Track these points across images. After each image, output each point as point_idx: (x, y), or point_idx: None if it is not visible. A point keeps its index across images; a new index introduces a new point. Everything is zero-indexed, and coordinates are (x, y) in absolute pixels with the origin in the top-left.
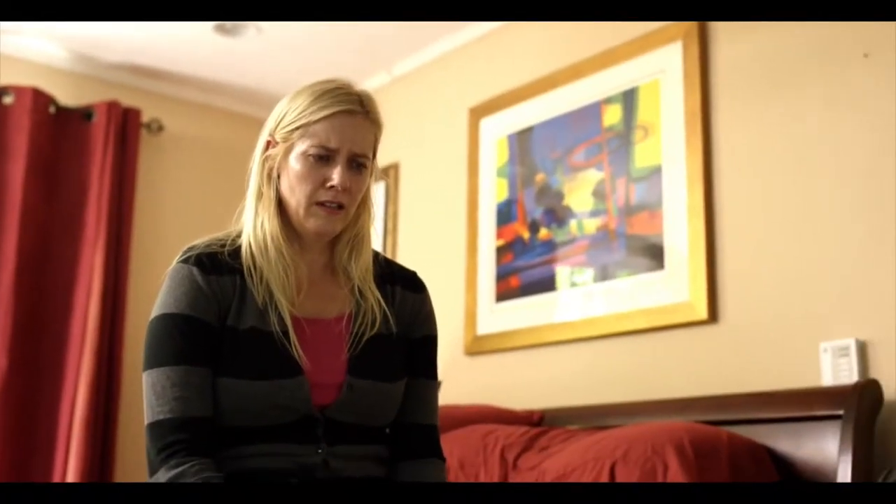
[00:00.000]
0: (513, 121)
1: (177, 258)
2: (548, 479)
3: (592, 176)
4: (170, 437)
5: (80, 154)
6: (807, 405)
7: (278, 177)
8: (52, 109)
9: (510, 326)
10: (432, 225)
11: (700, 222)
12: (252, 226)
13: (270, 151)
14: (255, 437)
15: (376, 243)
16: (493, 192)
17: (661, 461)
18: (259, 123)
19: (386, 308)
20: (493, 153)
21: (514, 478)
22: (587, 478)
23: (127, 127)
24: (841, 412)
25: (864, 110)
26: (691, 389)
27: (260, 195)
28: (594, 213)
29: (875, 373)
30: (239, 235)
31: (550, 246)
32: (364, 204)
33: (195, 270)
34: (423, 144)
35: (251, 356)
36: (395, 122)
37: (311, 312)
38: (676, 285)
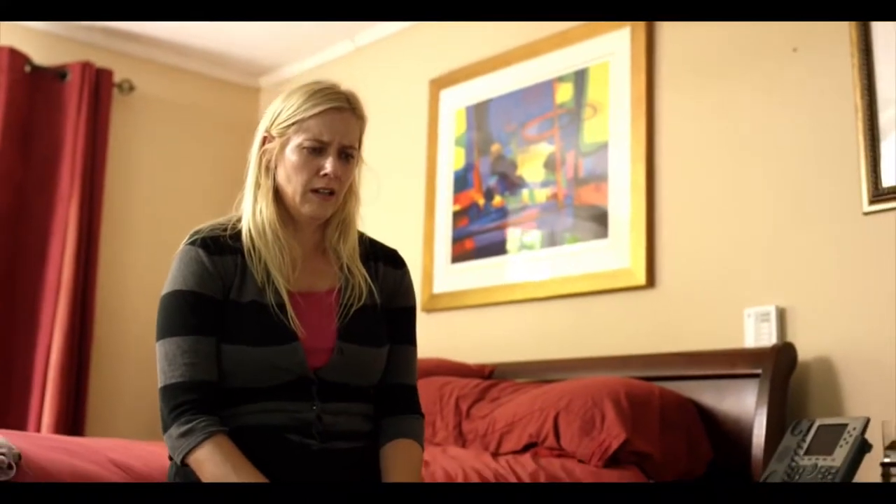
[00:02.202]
0: (471, 93)
1: (184, 241)
2: (498, 427)
3: (544, 149)
4: (180, 398)
5: (55, 112)
6: (730, 364)
7: (275, 168)
8: (27, 69)
9: (464, 286)
10: (393, 189)
11: (641, 195)
12: (251, 212)
13: (267, 146)
14: (257, 396)
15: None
16: (451, 160)
17: (600, 411)
18: (226, 86)
19: (371, 283)
20: (452, 123)
21: (467, 425)
22: (533, 425)
23: (100, 87)
24: (760, 371)
25: (791, 100)
26: (628, 348)
27: (258, 185)
28: (545, 184)
29: (791, 337)
30: (239, 220)
31: (503, 212)
32: (351, 190)
33: (201, 252)
34: (384, 112)
35: (252, 325)
36: (359, 90)
37: (304, 287)
38: (618, 252)
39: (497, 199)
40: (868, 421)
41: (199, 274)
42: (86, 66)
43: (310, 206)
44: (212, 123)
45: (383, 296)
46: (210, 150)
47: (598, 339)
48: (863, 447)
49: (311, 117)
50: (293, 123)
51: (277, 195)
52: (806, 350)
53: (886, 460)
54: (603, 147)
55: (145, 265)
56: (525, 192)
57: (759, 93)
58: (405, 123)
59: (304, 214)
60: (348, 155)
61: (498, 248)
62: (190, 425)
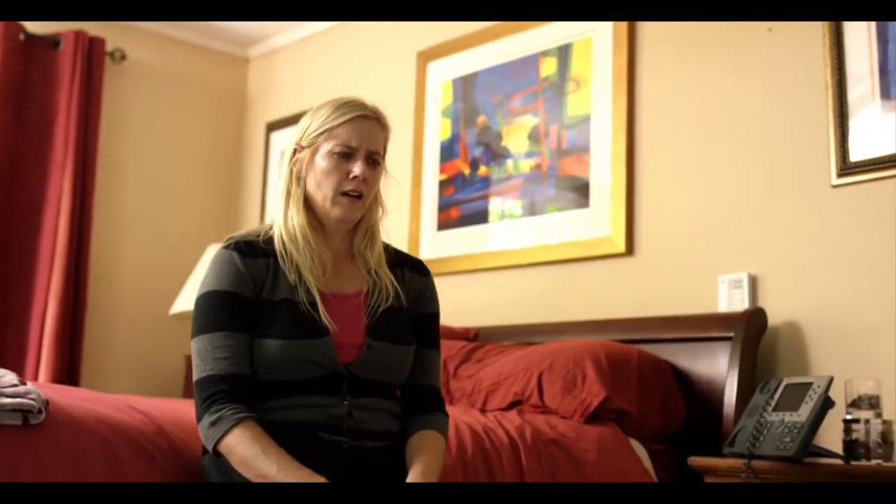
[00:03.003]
0: (458, 66)
1: (220, 246)
2: (484, 386)
3: (528, 121)
4: (212, 389)
5: (48, 80)
6: (704, 328)
7: (305, 177)
8: (21, 37)
9: (450, 253)
10: None
11: (622, 167)
12: (283, 219)
13: (298, 156)
14: (289, 390)
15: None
16: (438, 131)
17: (581, 371)
18: (216, 55)
19: (397, 286)
20: (439, 95)
21: (455, 384)
22: (518, 384)
23: (92, 55)
24: (732, 334)
25: (765, 77)
26: (608, 313)
27: (289, 193)
28: (529, 155)
29: (762, 302)
30: (271, 228)
31: (488, 182)
32: (376, 199)
33: (234, 255)
34: (373, 84)
35: (285, 320)
36: (348, 61)
37: (334, 288)
38: (599, 221)
39: (482, 169)
40: (832, 380)
41: (232, 274)
42: (79, 34)
43: (340, 209)
44: (202, 92)
45: (409, 300)
46: (200, 117)
47: (579, 304)
48: (826, 404)
49: (339, 125)
50: (323, 132)
51: (307, 203)
52: (775, 315)
53: (848, 417)
54: (585, 120)
55: (137, 230)
56: (510, 163)
57: (735, 70)
58: (393, 95)
59: (334, 218)
60: (375, 161)
61: (482, 217)
62: (219, 414)
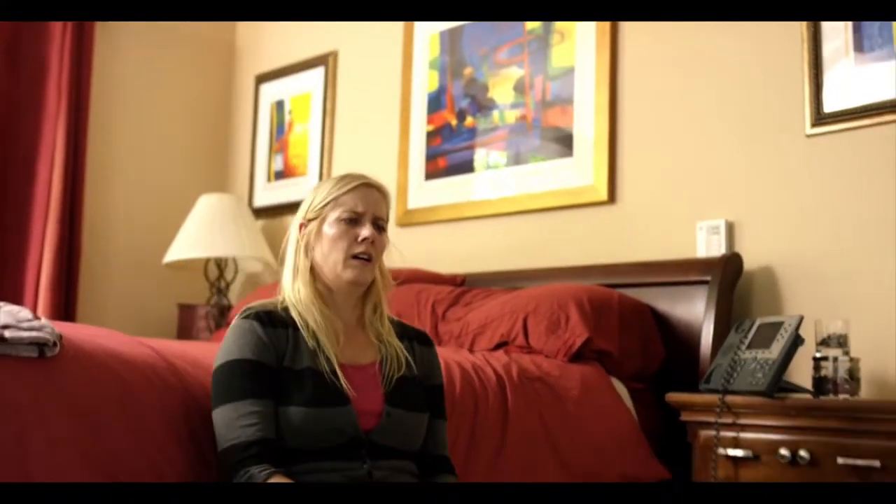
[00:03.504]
0: None
1: (238, 316)
2: (471, 328)
3: (514, 73)
4: (240, 455)
5: (40, 31)
6: (683, 272)
7: (312, 249)
8: None
9: (437, 202)
10: (369, 109)
11: (605, 118)
12: (291, 291)
13: (304, 230)
14: (311, 456)
15: (315, 126)
16: (425, 82)
17: (565, 314)
18: None
19: (407, 355)
20: (426, 47)
21: (443, 327)
22: (504, 326)
23: None
24: (709, 278)
25: (743, 31)
26: (591, 259)
27: (296, 269)
28: (514, 105)
29: (739, 248)
30: (284, 299)
31: (474, 133)
32: (381, 272)
33: (255, 324)
34: (361, 35)
35: (308, 388)
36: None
37: (349, 359)
38: (582, 170)
39: (469, 120)
40: (802, 319)
41: (254, 343)
42: None
43: (351, 272)
44: (191, 44)
45: (420, 371)
46: (190, 70)
47: (562, 250)
48: (796, 341)
49: (344, 193)
50: (329, 202)
51: (314, 275)
52: (751, 260)
53: (818, 355)
54: (569, 72)
55: (130, 181)
56: (496, 114)
57: (714, 24)
58: (381, 47)
59: (346, 281)
60: (380, 227)
61: (468, 167)
62: (248, 474)
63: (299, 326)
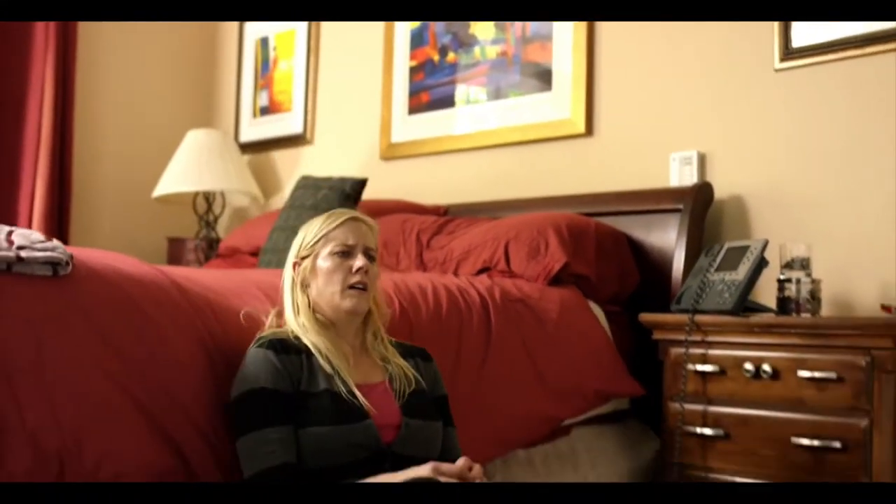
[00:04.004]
0: None
1: (252, 345)
2: (455, 255)
3: None
4: (268, 480)
5: None
6: (656, 201)
7: (308, 286)
8: None
9: (420, 136)
10: (353, 45)
11: (583, 54)
12: (296, 325)
13: (298, 269)
14: (336, 475)
15: (300, 62)
16: None
17: (544, 240)
18: None
19: (413, 371)
20: None
21: (428, 255)
22: (487, 253)
23: None
24: (681, 206)
25: None
26: (569, 189)
27: (296, 305)
28: (495, 41)
29: (710, 178)
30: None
31: (456, 68)
32: (376, 302)
33: (269, 352)
34: None
35: (327, 409)
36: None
37: (361, 379)
38: (560, 104)
39: (451, 56)
40: (767, 243)
41: (269, 371)
42: None
43: (350, 301)
44: None
45: (427, 386)
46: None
47: (542, 181)
48: (761, 264)
49: (334, 229)
50: (320, 238)
51: (313, 310)
52: (721, 189)
53: (782, 277)
54: None
55: (118, 118)
56: (477, 50)
57: None
58: None
59: (345, 310)
60: (371, 257)
61: (450, 102)
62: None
63: (313, 352)
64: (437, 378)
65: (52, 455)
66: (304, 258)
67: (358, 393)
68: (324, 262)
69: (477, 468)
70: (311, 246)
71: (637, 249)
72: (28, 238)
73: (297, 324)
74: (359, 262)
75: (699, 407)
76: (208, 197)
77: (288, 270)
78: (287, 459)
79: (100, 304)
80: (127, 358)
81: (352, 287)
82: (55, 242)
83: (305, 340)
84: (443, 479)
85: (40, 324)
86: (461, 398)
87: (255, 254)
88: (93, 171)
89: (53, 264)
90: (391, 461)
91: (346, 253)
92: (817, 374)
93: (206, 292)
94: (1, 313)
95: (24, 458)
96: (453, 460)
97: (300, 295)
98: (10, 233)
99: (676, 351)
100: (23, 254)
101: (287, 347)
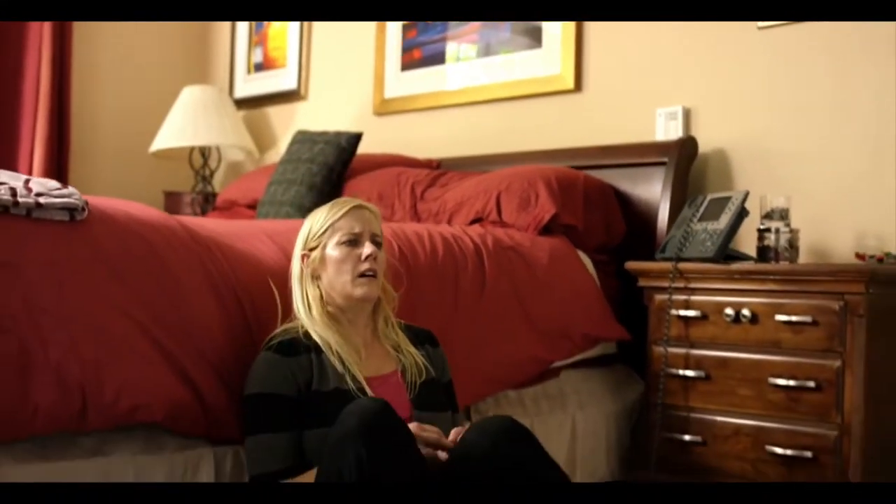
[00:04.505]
0: None
1: (263, 346)
2: (448, 207)
3: None
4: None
5: None
6: (642, 155)
7: (319, 275)
8: None
9: (413, 91)
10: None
11: None
12: (307, 320)
13: (307, 260)
14: None
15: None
16: None
17: (534, 191)
18: None
19: (424, 360)
20: None
21: (422, 206)
22: (479, 204)
23: None
24: (666, 160)
25: None
26: (558, 143)
27: (306, 298)
28: None
29: (694, 132)
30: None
31: (448, 25)
32: (384, 289)
33: (276, 356)
34: None
35: (339, 408)
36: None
37: (373, 371)
38: (550, 61)
39: None
40: (747, 193)
41: (271, 376)
42: None
43: (361, 289)
44: None
45: (437, 373)
46: None
47: (532, 136)
48: (741, 214)
49: (339, 218)
50: (327, 229)
51: (324, 301)
52: (705, 143)
53: (762, 227)
54: None
55: (115, 74)
56: None
57: None
58: None
59: (358, 298)
60: (378, 243)
61: (441, 59)
62: None
63: (323, 349)
64: (445, 364)
65: (74, 387)
66: (312, 249)
67: (369, 390)
68: (333, 252)
69: (452, 435)
70: (319, 237)
71: (624, 201)
72: (45, 186)
73: (308, 318)
74: (367, 249)
75: (682, 350)
76: (204, 152)
77: (296, 263)
78: (280, 467)
79: (115, 246)
80: (141, 296)
81: (362, 275)
82: (71, 189)
83: (315, 336)
84: (423, 435)
85: (60, 266)
86: (457, 338)
87: (252, 206)
88: (90, 128)
89: (70, 210)
90: None
91: (353, 241)
92: (793, 318)
93: (213, 235)
94: (24, 257)
95: (49, 391)
96: None
97: (310, 287)
98: (27, 181)
99: (660, 297)
100: (41, 200)
101: (296, 348)
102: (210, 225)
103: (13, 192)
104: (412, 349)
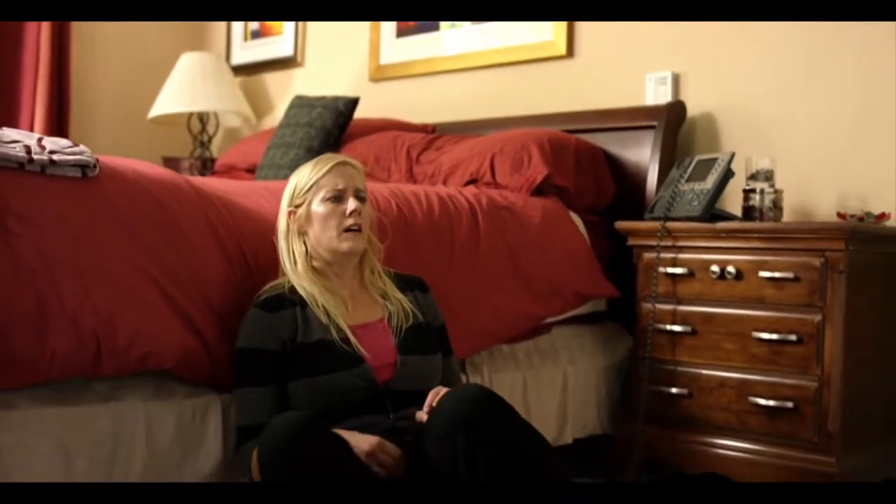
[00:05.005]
0: None
1: (252, 303)
2: (444, 169)
3: None
4: (242, 436)
5: None
6: (632, 119)
7: (306, 231)
8: None
9: (408, 58)
10: None
11: None
12: (293, 275)
13: (294, 217)
14: (341, 415)
15: None
16: None
17: (527, 153)
18: None
19: (412, 306)
20: None
21: (417, 169)
22: (473, 166)
23: None
24: (655, 124)
25: None
26: (551, 108)
27: (292, 254)
28: None
29: (683, 96)
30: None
31: None
32: (370, 241)
33: (260, 312)
34: None
35: (324, 359)
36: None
37: (360, 320)
38: (542, 27)
39: None
40: (733, 154)
41: (256, 332)
42: None
43: (346, 243)
44: None
45: (427, 318)
46: None
47: (525, 101)
48: (727, 174)
49: (323, 176)
50: (311, 186)
51: (311, 256)
52: (694, 107)
53: (747, 187)
54: None
55: (114, 40)
56: None
57: None
58: None
59: (344, 252)
60: (362, 198)
61: (435, 25)
62: (240, 451)
63: (308, 303)
64: (436, 308)
65: (89, 335)
66: (298, 206)
67: (353, 339)
68: (318, 208)
69: (430, 397)
70: (304, 194)
71: (614, 164)
72: (58, 144)
73: (295, 273)
74: (351, 205)
75: (669, 306)
76: (202, 117)
77: (283, 219)
78: (262, 419)
79: (125, 201)
80: (150, 249)
81: (347, 230)
82: (82, 147)
83: (300, 290)
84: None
85: (74, 220)
86: (453, 292)
87: (250, 170)
88: (90, 94)
89: (82, 167)
90: (391, 398)
91: (337, 197)
92: (776, 275)
93: (217, 192)
94: (39, 211)
95: (65, 339)
96: (452, 386)
97: (296, 242)
98: (40, 139)
99: (649, 255)
100: (55, 157)
101: (280, 303)
102: (214, 183)
103: (28, 149)
104: (399, 295)
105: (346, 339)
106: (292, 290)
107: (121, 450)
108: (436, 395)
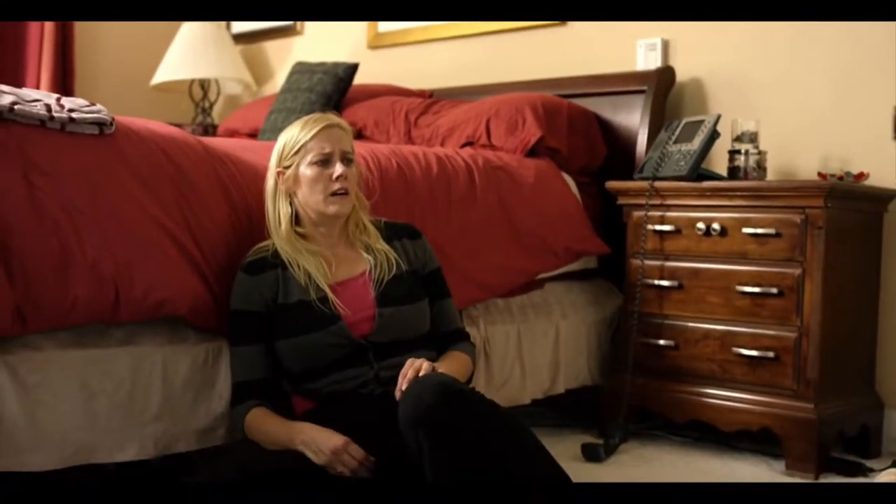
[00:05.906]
0: None
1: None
2: (441, 132)
3: None
4: (235, 392)
5: None
6: (623, 84)
7: (294, 193)
8: None
9: (405, 25)
10: None
11: None
12: (277, 238)
13: (283, 178)
14: (324, 372)
15: None
16: None
17: (521, 116)
18: None
19: (396, 256)
20: None
21: (415, 132)
22: (470, 128)
23: None
24: (645, 88)
25: None
26: (544, 74)
27: (278, 215)
28: None
29: (672, 62)
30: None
31: None
32: (357, 198)
33: (244, 275)
34: None
35: (301, 320)
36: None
37: (342, 276)
38: None
39: None
40: (719, 116)
41: (241, 294)
42: None
43: (334, 207)
44: None
45: (414, 263)
46: None
47: (519, 67)
48: (713, 135)
49: (311, 139)
50: (298, 149)
51: (298, 217)
52: (682, 72)
53: (732, 149)
54: None
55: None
56: None
57: None
58: None
59: (331, 215)
60: (349, 160)
61: None
62: (234, 410)
63: (288, 266)
64: (428, 252)
65: (108, 281)
66: (286, 168)
67: (331, 297)
68: (306, 171)
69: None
70: (292, 156)
71: (605, 127)
72: (76, 103)
73: (278, 235)
74: (338, 169)
75: (657, 262)
76: (203, 84)
77: (271, 179)
78: (250, 377)
79: (139, 157)
80: (164, 201)
81: (334, 194)
82: (99, 106)
83: (282, 253)
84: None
85: (93, 174)
86: (450, 245)
87: (252, 135)
88: (94, 62)
89: (100, 124)
90: (373, 351)
91: (324, 161)
92: (759, 231)
93: (224, 148)
94: (60, 166)
95: (86, 285)
96: (451, 329)
97: (283, 203)
98: (58, 98)
99: (638, 214)
100: (74, 115)
101: (262, 266)
102: (221, 142)
103: (48, 107)
104: (382, 246)
105: (324, 299)
106: (275, 252)
107: (138, 391)
108: (407, 371)
